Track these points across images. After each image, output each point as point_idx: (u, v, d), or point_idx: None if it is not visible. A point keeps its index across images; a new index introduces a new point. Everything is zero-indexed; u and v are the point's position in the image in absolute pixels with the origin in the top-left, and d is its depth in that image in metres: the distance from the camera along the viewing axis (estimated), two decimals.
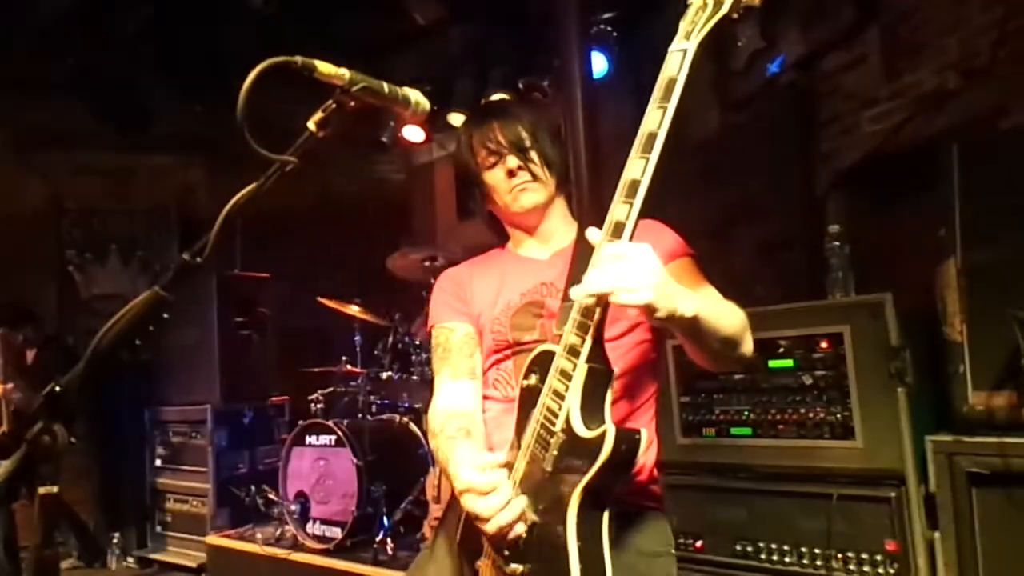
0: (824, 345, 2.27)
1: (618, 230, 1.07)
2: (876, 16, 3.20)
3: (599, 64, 3.99)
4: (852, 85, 3.25)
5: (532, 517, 1.15)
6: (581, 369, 1.09)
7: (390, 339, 4.12)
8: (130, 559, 4.37)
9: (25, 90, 4.29)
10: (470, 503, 1.17)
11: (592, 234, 1.11)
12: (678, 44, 1.08)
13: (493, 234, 1.67)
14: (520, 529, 1.15)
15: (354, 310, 4.13)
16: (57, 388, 0.94)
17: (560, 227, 1.57)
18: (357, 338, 4.22)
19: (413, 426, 3.84)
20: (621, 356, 1.36)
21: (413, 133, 5.04)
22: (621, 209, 1.07)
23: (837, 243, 2.48)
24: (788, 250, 3.01)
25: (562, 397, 1.11)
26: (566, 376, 1.11)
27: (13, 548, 3.88)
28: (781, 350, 2.36)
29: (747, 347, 1.30)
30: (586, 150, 3.20)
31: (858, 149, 3.10)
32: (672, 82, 1.06)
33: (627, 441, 1.07)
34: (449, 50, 4.75)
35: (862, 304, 2.24)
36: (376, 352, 4.18)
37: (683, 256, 1.43)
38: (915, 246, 2.50)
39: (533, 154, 1.49)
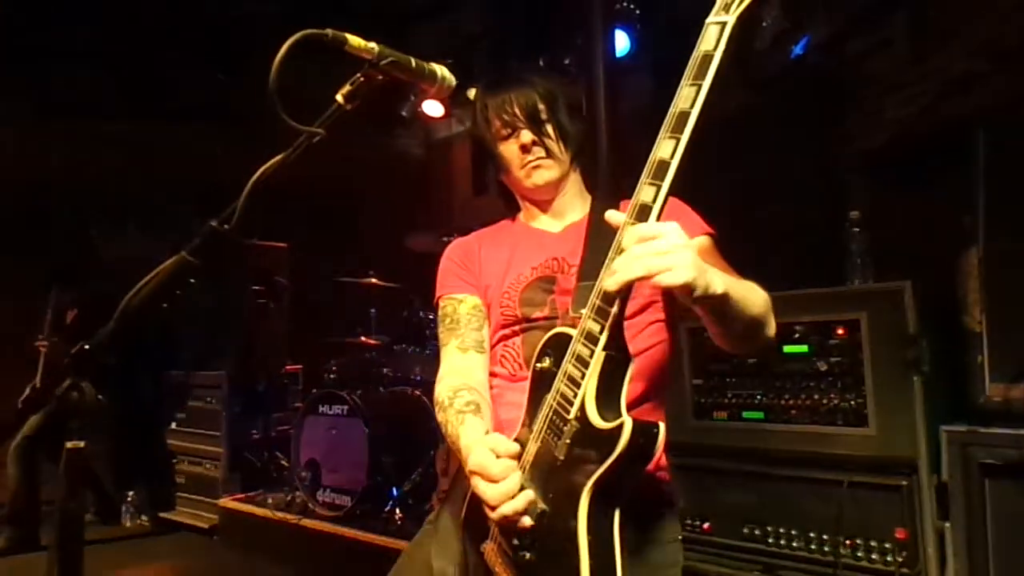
0: (840, 331, 2.26)
1: (644, 213, 1.00)
2: None
3: (621, 42, 3.94)
4: (877, 68, 3.19)
5: (541, 506, 1.11)
6: (599, 357, 1.05)
7: (405, 312, 4.15)
8: (144, 517, 4.46)
9: (49, 59, 4.30)
10: (480, 487, 1.14)
11: (613, 216, 1.06)
12: (716, 16, 0.99)
13: (505, 205, 1.64)
14: (527, 521, 1.11)
15: (370, 280, 4.16)
16: (86, 347, 0.96)
17: (574, 200, 1.54)
18: (372, 310, 4.26)
19: (425, 399, 3.88)
20: (635, 335, 1.34)
21: (433, 108, 5.01)
22: (648, 191, 1.00)
23: (857, 228, 2.45)
24: (807, 234, 2.98)
25: (577, 384, 1.08)
26: (582, 363, 1.07)
27: (36, 500, 3.98)
28: (796, 335, 2.35)
29: (771, 329, 1.26)
30: (607, 129, 3.18)
31: (882, 133, 3.05)
32: (708, 57, 0.98)
33: (644, 435, 1.03)
34: (469, 25, 4.71)
35: (880, 291, 2.22)
36: (390, 325, 4.22)
37: (704, 235, 1.40)
38: (936, 233, 2.48)
39: (549, 128, 1.45)
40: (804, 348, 2.33)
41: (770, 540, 2.38)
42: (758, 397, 2.44)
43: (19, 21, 4.10)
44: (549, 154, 1.45)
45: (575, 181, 1.54)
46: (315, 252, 4.91)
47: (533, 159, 1.45)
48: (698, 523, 2.55)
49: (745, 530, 2.44)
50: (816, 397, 2.31)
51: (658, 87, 3.98)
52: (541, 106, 1.45)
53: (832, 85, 3.27)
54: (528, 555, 1.13)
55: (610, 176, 2.98)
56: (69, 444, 0.93)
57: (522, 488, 1.12)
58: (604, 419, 1.05)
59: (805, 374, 2.34)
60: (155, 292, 1.00)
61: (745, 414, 2.48)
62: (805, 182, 3.17)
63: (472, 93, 4.53)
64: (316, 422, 3.90)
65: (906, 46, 3.07)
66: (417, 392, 3.92)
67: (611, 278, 1.00)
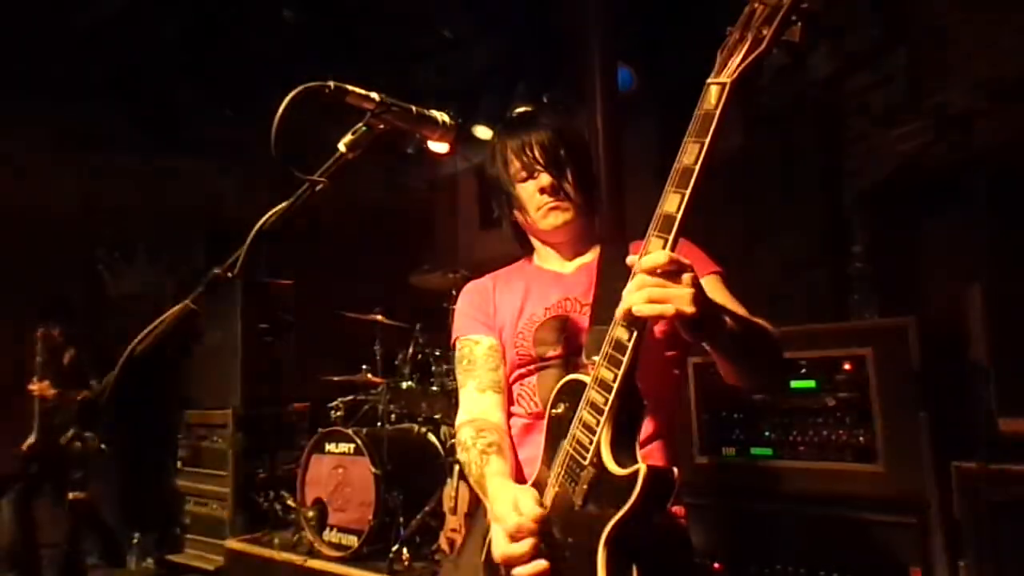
0: (847, 367, 2.26)
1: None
2: (905, 35, 3.18)
3: (624, 79, 4.00)
4: (879, 104, 3.23)
5: (559, 554, 1.13)
6: (612, 404, 1.08)
7: (410, 349, 4.14)
8: (150, 560, 4.42)
9: (64, 91, 4.40)
10: (497, 540, 1.17)
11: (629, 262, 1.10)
12: (716, 77, 1.05)
13: (517, 244, 1.66)
14: None
15: (375, 317, 4.17)
16: (90, 397, 0.97)
17: (586, 241, 1.57)
18: (377, 347, 4.26)
19: (431, 436, 3.85)
20: (644, 374, 1.35)
21: (438, 145, 5.07)
22: (656, 243, 1.05)
23: (861, 264, 2.46)
24: (811, 269, 2.98)
25: (592, 431, 1.10)
26: (597, 410, 1.10)
27: (33, 543, 3.94)
28: (803, 371, 2.34)
29: (781, 366, 1.31)
30: (608, 165, 3.21)
31: (884, 168, 3.08)
32: (710, 116, 1.04)
33: (660, 480, 1.05)
34: (474, 63, 4.79)
35: (886, 327, 2.22)
36: (396, 362, 4.21)
37: (711, 273, 1.43)
38: (941, 268, 2.48)
39: (568, 171, 1.48)
40: (811, 383, 2.33)
41: None
42: (766, 433, 2.42)
43: (36, 54, 4.20)
44: (566, 196, 1.48)
45: (587, 224, 1.57)
46: (320, 289, 4.93)
47: (551, 202, 1.47)
48: (708, 561, 2.51)
49: (754, 568, 2.40)
50: (824, 433, 2.29)
51: (663, 124, 4.04)
52: (562, 152, 1.48)
53: (833, 121, 3.30)
54: None
55: (611, 211, 3.01)
56: (72, 495, 0.93)
57: (535, 554, 1.13)
58: (620, 465, 1.07)
59: (812, 410, 2.32)
60: (159, 340, 1.01)
61: (753, 450, 2.46)
62: (808, 217, 3.18)
63: (479, 131, 4.62)
64: (322, 461, 3.88)
65: (906, 83, 3.11)
66: (423, 430, 3.90)
67: (618, 309, 1.06)
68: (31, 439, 4.13)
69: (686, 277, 1.03)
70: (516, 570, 1.13)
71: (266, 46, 4.35)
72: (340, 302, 4.29)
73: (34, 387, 4.28)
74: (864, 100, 3.26)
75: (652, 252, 1.05)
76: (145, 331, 1.01)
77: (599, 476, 1.09)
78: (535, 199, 1.48)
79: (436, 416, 3.92)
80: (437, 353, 4.04)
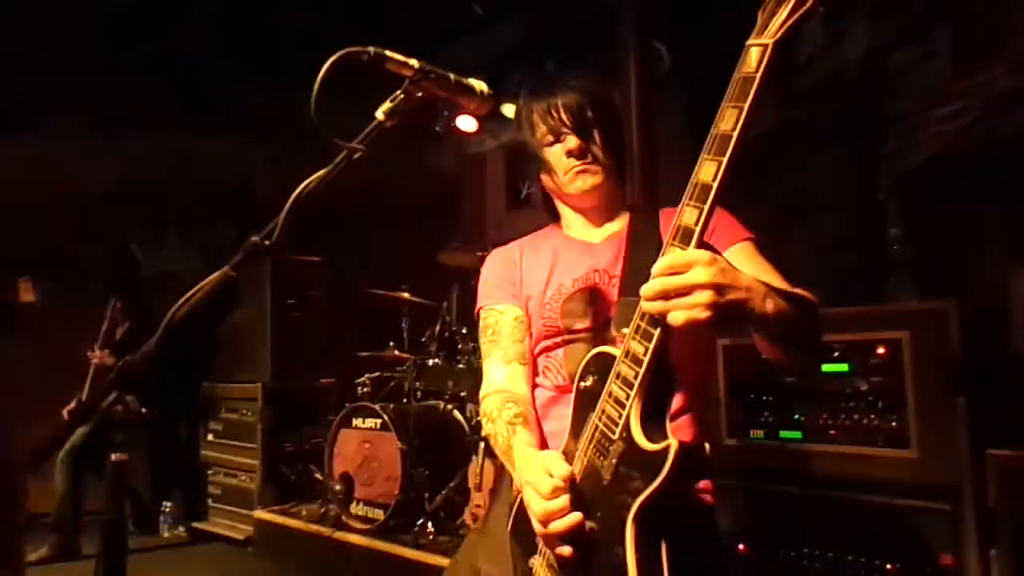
0: (881, 351, 2.21)
1: (686, 236, 1.01)
2: (948, 11, 3.07)
3: (657, 56, 3.94)
4: (920, 82, 3.14)
5: (590, 524, 1.13)
6: (643, 378, 1.06)
7: (437, 326, 4.16)
8: (181, 528, 4.53)
9: (99, 73, 4.45)
10: (531, 503, 1.17)
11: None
12: (756, 38, 0.99)
13: (546, 212, 1.64)
14: (567, 550, 1.13)
15: (402, 295, 4.19)
16: (131, 362, 0.98)
17: (615, 208, 1.54)
18: (404, 324, 4.29)
19: (457, 413, 3.88)
20: (673, 348, 1.34)
21: (466, 123, 5.06)
22: (690, 213, 1.01)
23: (898, 246, 2.40)
24: (846, 251, 2.92)
25: (622, 405, 1.09)
26: (627, 384, 1.08)
27: (79, 510, 4.06)
28: (836, 354, 2.30)
29: (819, 343, 1.26)
30: (641, 143, 3.17)
31: (924, 149, 2.99)
32: (750, 80, 0.98)
33: (691, 456, 1.04)
34: (503, 40, 4.75)
35: (924, 311, 2.17)
36: (423, 339, 4.24)
37: (744, 240, 1.39)
38: (982, 252, 2.41)
39: (595, 133, 1.45)
40: (844, 367, 2.28)
41: (806, 563, 2.32)
42: (796, 416, 2.39)
43: (69, 35, 4.25)
44: (595, 159, 1.45)
45: (616, 188, 1.54)
46: (348, 266, 4.97)
47: (579, 164, 1.45)
48: (732, 543, 2.50)
49: (781, 552, 2.39)
50: (856, 417, 2.25)
51: (695, 100, 3.97)
52: (589, 114, 1.44)
53: (873, 99, 3.21)
54: (576, 573, 1.15)
55: (644, 189, 2.97)
56: (114, 457, 0.95)
57: (571, 509, 1.13)
58: (650, 440, 1.06)
59: (845, 394, 2.28)
60: (199, 307, 1.02)
61: (782, 433, 2.43)
62: (844, 197, 3.11)
63: (507, 110, 4.58)
64: (349, 436, 3.93)
65: (949, 60, 3.01)
66: (449, 407, 3.93)
67: (644, 302, 1.03)
68: (73, 404, 4.27)
69: (703, 281, 0.98)
70: (553, 524, 1.13)
71: (297, 22, 4.36)
72: (367, 279, 4.32)
73: (95, 355, 4.44)
74: (905, 78, 3.17)
75: (686, 222, 1.01)
76: (185, 297, 1.02)
77: (629, 451, 1.08)
78: (563, 162, 1.46)
79: (462, 394, 3.94)
80: (464, 331, 4.06)
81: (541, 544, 1.23)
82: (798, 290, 1.23)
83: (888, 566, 2.15)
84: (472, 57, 4.64)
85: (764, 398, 2.48)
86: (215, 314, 1.04)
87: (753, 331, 1.17)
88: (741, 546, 2.49)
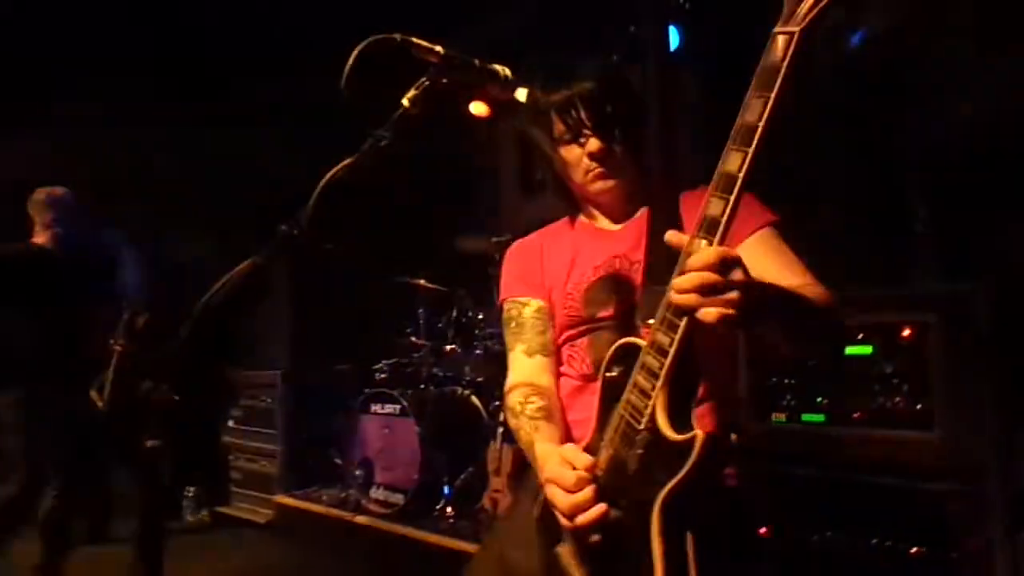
0: (907, 333, 2.19)
1: (712, 227, 0.99)
2: None
3: (672, 38, 3.89)
4: (941, 62, 3.07)
5: (615, 514, 1.13)
6: (668, 369, 1.05)
7: (454, 313, 4.18)
8: (204, 512, 4.59)
9: (111, 65, 4.46)
10: (555, 497, 1.16)
11: (674, 239, 1.04)
12: (783, 26, 0.95)
13: (561, 201, 1.58)
14: (596, 537, 1.14)
15: (419, 282, 4.20)
16: (166, 350, 0.99)
17: (635, 196, 1.50)
18: (421, 311, 4.30)
19: (474, 398, 3.90)
20: (701, 334, 1.34)
21: (478, 108, 5.02)
22: (716, 204, 0.98)
23: (924, 229, 2.37)
24: (871, 233, 2.88)
25: (648, 395, 1.08)
26: (652, 375, 1.08)
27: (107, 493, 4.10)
28: (860, 336, 2.28)
29: (831, 338, 1.28)
30: (660, 125, 3.13)
31: (946, 131, 2.93)
32: (775, 70, 0.94)
33: (717, 446, 1.04)
34: (516, 22, 4.70)
35: (951, 293, 2.14)
36: (440, 325, 4.25)
37: (767, 224, 1.36)
38: (1008, 232, 2.37)
39: (618, 132, 1.39)
40: (868, 349, 2.26)
41: (830, 547, 2.32)
42: (819, 399, 2.38)
43: (83, 27, 4.26)
44: (617, 161, 1.40)
45: (638, 181, 1.50)
46: (364, 252, 4.97)
47: (599, 168, 1.40)
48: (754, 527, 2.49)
49: (802, 535, 2.38)
50: (880, 400, 2.23)
51: (709, 83, 3.92)
52: (609, 106, 1.38)
53: (894, 79, 3.15)
54: (603, 562, 1.15)
55: (663, 174, 2.94)
56: (149, 443, 0.96)
57: (597, 500, 1.13)
58: (676, 430, 1.05)
59: (869, 376, 2.26)
60: (228, 296, 1.02)
61: (805, 416, 2.41)
62: (868, 178, 3.07)
63: (520, 94, 4.55)
64: (368, 421, 3.96)
65: (973, 38, 2.94)
66: (467, 392, 3.95)
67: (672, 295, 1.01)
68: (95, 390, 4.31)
69: (732, 280, 0.97)
70: (580, 517, 1.12)
71: (312, 8, 4.34)
72: (383, 266, 4.33)
73: (117, 342, 4.48)
74: (925, 58, 3.10)
75: (711, 213, 0.98)
76: (215, 286, 1.02)
77: (655, 441, 1.07)
78: (582, 164, 1.41)
79: (479, 379, 3.96)
80: (480, 317, 4.07)
81: (567, 533, 1.23)
82: (811, 289, 1.24)
83: (912, 549, 2.14)
84: (483, 40, 4.60)
85: (786, 381, 2.46)
86: (245, 303, 1.04)
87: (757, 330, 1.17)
88: (763, 529, 2.49)
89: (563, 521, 1.16)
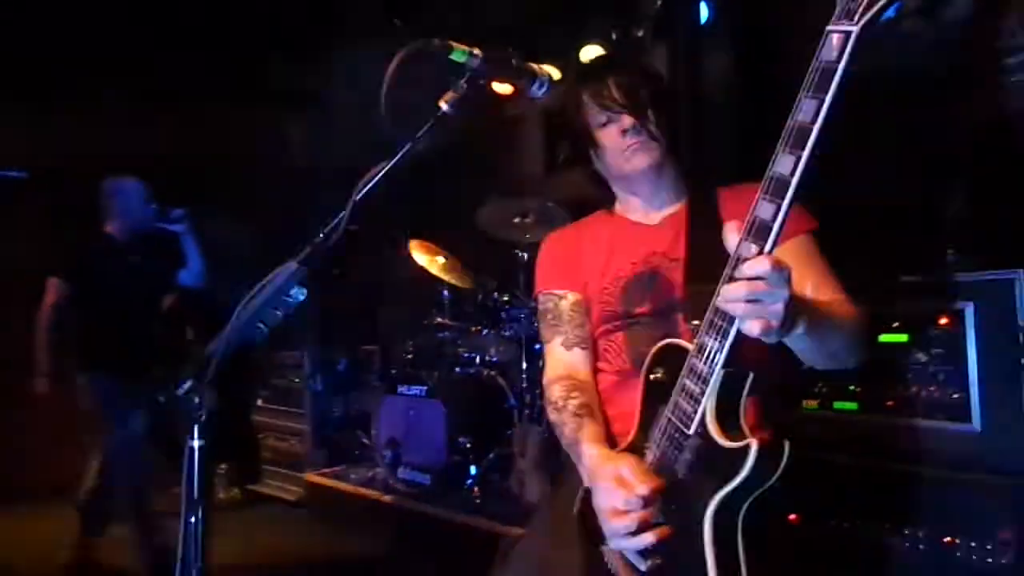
0: (944, 322, 2.15)
1: (762, 231, 0.96)
2: None
3: (701, 11, 3.81)
4: (990, 34, 2.96)
5: (664, 519, 1.13)
6: (718, 374, 1.04)
7: (479, 295, 4.17)
8: (236, 490, 4.69)
9: (136, 48, 4.47)
10: (606, 519, 1.16)
11: (731, 235, 1.02)
12: (837, 23, 0.91)
13: (600, 196, 1.61)
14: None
15: (440, 262, 4.19)
16: (206, 356, 0.99)
17: (671, 189, 1.52)
18: (445, 292, 4.30)
19: (500, 380, 3.91)
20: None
21: (501, 86, 4.96)
22: (766, 208, 0.96)
23: (964, 212, 2.31)
24: (909, 217, 2.81)
25: (697, 400, 1.07)
26: (700, 379, 1.07)
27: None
28: (896, 324, 2.24)
29: (854, 352, 1.28)
30: (690, 102, 3.08)
31: (995, 109, 2.84)
32: (830, 71, 0.90)
33: (771, 455, 1.03)
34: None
35: (991, 281, 2.09)
36: (465, 306, 4.25)
37: (801, 233, 1.36)
38: None
39: (650, 112, 1.43)
40: (904, 338, 2.22)
41: (860, 536, 2.30)
42: (852, 387, 2.35)
43: (119, 9, 4.27)
44: (651, 136, 1.42)
45: (671, 167, 1.51)
46: (388, 234, 4.97)
47: (634, 142, 1.42)
48: (783, 513, 2.48)
49: (833, 523, 2.37)
50: (915, 389, 2.20)
51: (736, 60, 3.83)
52: (642, 92, 1.42)
53: (935, 55, 3.05)
54: (650, 563, 1.15)
55: (691, 152, 2.90)
56: (196, 444, 0.97)
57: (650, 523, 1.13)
58: (728, 437, 1.05)
59: (903, 365, 2.23)
60: (266, 301, 1.03)
61: (837, 404, 2.39)
62: (907, 161, 2.98)
63: (552, 72, 4.47)
64: (395, 402, 3.99)
65: (1021, 7, 2.83)
66: (492, 373, 3.96)
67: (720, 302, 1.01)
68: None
69: (780, 291, 0.96)
70: (631, 541, 1.13)
71: None
72: (407, 247, 4.32)
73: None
74: (971, 30, 2.99)
75: (761, 216, 0.96)
76: (252, 291, 1.02)
77: (705, 446, 1.07)
78: (617, 142, 1.43)
79: (505, 360, 3.97)
80: (505, 298, 4.06)
81: None
82: (842, 306, 1.26)
83: (946, 539, 2.12)
84: (506, 15, 4.52)
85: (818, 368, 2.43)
86: (281, 307, 1.05)
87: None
88: (792, 516, 2.48)
89: (612, 543, 1.17)
